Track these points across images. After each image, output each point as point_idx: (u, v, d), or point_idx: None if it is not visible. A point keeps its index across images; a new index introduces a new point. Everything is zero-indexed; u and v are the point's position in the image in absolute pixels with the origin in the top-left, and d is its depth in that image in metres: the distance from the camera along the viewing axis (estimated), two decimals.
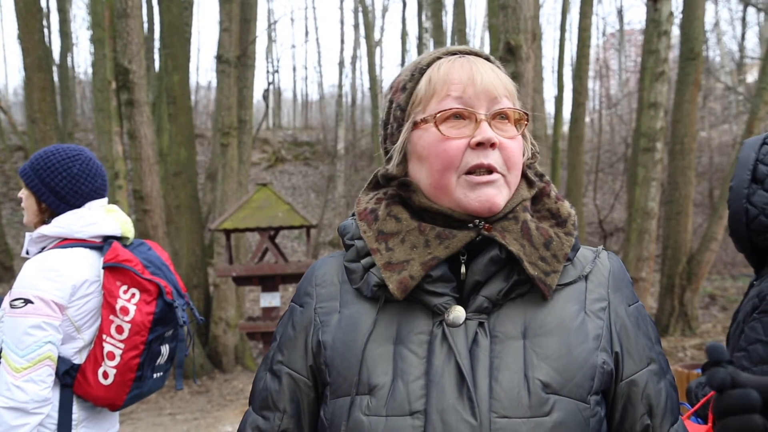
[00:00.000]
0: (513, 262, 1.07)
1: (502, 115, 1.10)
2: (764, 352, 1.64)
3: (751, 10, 21.52)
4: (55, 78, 16.19)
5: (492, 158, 1.07)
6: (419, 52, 17.66)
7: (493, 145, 1.07)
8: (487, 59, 1.15)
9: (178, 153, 10.31)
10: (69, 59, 21.08)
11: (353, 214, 1.20)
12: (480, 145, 1.06)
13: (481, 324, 1.05)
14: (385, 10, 30.13)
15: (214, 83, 24.10)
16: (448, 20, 19.47)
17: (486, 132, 1.06)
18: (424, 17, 16.83)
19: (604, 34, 28.62)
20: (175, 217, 10.16)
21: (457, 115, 1.08)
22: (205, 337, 10.27)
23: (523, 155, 1.14)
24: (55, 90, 13.29)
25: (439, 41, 16.36)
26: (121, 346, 2.18)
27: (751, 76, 23.76)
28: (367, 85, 24.02)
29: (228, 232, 6.74)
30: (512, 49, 5.81)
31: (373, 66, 19.81)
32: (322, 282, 1.19)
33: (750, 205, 1.82)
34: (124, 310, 2.18)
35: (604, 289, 1.12)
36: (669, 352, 9.18)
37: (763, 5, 18.07)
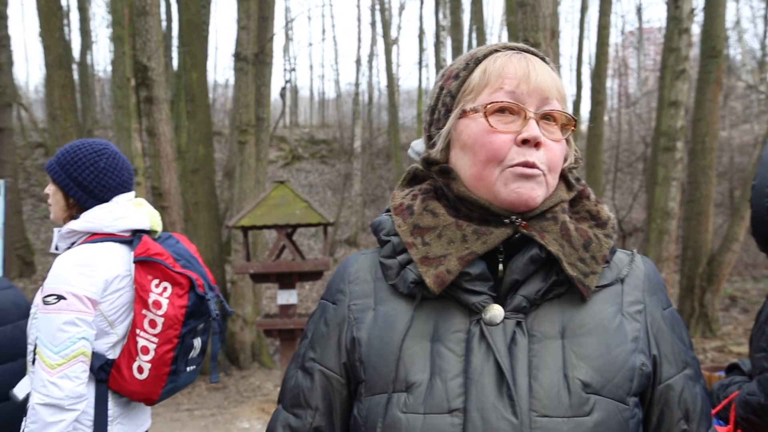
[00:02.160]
0: (552, 262, 1.07)
1: (550, 117, 1.09)
2: None
3: None
4: (75, 76, 16.35)
5: (535, 157, 1.06)
6: (436, 51, 17.60)
7: (537, 144, 1.06)
8: (543, 59, 1.14)
9: (196, 150, 10.35)
10: (89, 57, 21.25)
11: (388, 210, 1.20)
12: (525, 142, 1.06)
13: (519, 323, 1.05)
14: (402, 7, 30.16)
15: (231, 81, 24.25)
16: (465, 18, 19.41)
17: (533, 130, 1.06)
18: (441, 15, 16.77)
19: (623, 32, 28.39)
20: (193, 214, 10.21)
21: (507, 110, 1.08)
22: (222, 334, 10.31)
23: (566, 160, 1.14)
24: (75, 87, 13.41)
25: (456, 39, 16.31)
26: (155, 340, 2.18)
27: None
28: (383, 83, 24.06)
29: (245, 230, 6.76)
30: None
31: (390, 64, 19.80)
32: (355, 279, 1.18)
33: None
34: (157, 304, 2.17)
35: (640, 293, 1.12)
36: None
37: None
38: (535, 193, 1.06)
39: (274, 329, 6.63)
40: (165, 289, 2.19)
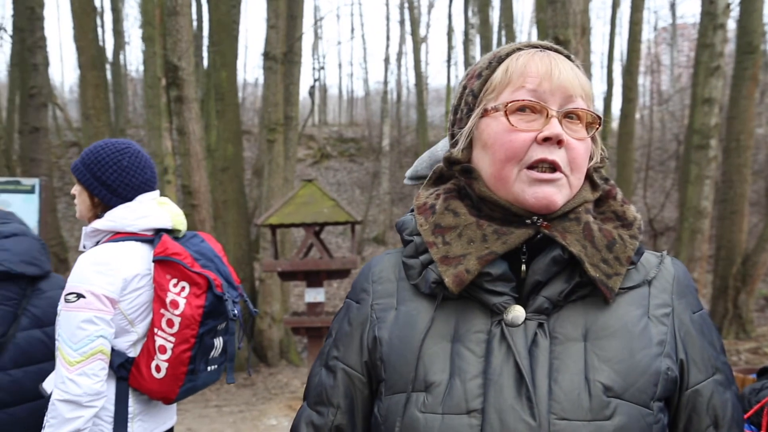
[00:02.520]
0: (575, 263, 1.05)
1: (573, 115, 1.08)
2: None
3: None
4: (108, 76, 16.60)
5: (557, 155, 1.05)
6: (465, 49, 17.53)
7: (560, 143, 1.05)
8: (568, 57, 1.13)
9: (226, 149, 10.45)
10: (122, 57, 21.59)
11: (412, 210, 1.20)
12: (547, 140, 1.04)
13: (540, 324, 1.03)
14: (431, 6, 30.03)
15: (261, 80, 24.40)
16: (494, 15, 19.29)
17: (555, 128, 1.04)
18: (470, 13, 16.69)
19: (655, 28, 27.94)
20: (222, 212, 10.30)
21: (529, 108, 1.07)
22: (251, 332, 10.38)
23: (591, 159, 1.12)
24: (108, 87, 13.62)
25: (485, 37, 16.21)
26: (172, 339, 2.19)
27: None
28: (412, 81, 24.01)
29: (273, 228, 6.80)
30: (560, 44, 5.71)
31: (418, 62, 19.77)
32: (379, 279, 1.19)
33: None
34: (174, 304, 2.18)
35: (668, 295, 1.09)
36: None
37: None
38: (556, 197, 1.05)
39: (302, 327, 6.66)
40: (183, 288, 2.20)
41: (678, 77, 26.44)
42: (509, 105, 1.07)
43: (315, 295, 6.76)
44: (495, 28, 18.92)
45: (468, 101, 1.15)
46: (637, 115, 19.19)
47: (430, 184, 1.22)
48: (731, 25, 11.45)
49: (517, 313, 1.03)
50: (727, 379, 1.11)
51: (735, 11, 10.80)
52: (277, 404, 7.97)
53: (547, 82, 1.06)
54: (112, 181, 2.30)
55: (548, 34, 5.88)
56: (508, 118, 1.07)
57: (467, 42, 16.98)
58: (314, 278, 6.70)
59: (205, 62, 12.92)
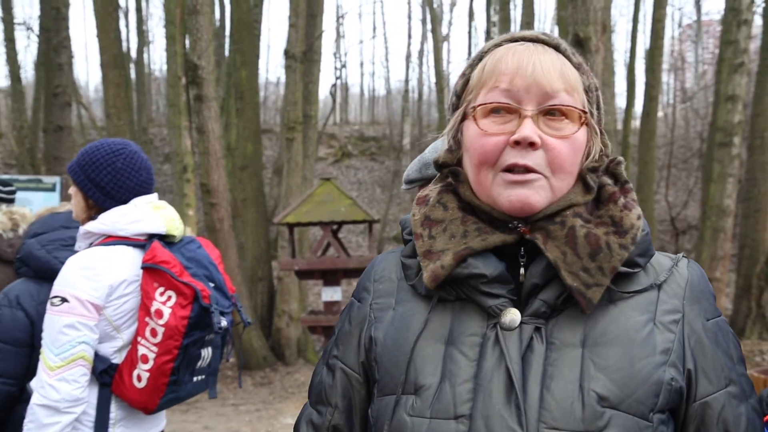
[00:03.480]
0: None
1: (556, 111, 1.01)
2: None
3: None
4: (132, 74, 16.79)
5: (530, 159, 0.99)
6: None
7: (533, 145, 0.98)
8: (556, 47, 1.06)
9: (245, 147, 10.50)
10: (145, 56, 21.81)
11: None
12: (518, 143, 0.99)
13: (537, 329, 0.99)
14: (453, 4, 29.89)
15: (282, 79, 24.50)
16: (516, 14, 19.17)
17: (524, 130, 0.98)
18: (492, 11, 16.60)
19: (680, 25, 27.56)
20: (241, 211, 10.36)
21: (503, 109, 1.01)
22: (269, 330, 10.45)
23: (588, 156, 1.05)
24: (132, 86, 13.77)
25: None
26: (155, 349, 2.12)
27: None
28: (433, 80, 23.89)
29: (291, 226, 6.82)
30: (581, 42, 5.66)
31: (439, 61, 19.70)
32: (380, 278, 1.16)
33: None
34: (159, 313, 2.11)
35: (678, 301, 1.03)
36: (745, 356, 8.76)
37: None
38: (532, 198, 0.99)
39: (318, 326, 6.67)
40: (169, 297, 2.13)
41: (703, 74, 26.06)
42: (478, 108, 1.03)
43: (332, 293, 6.77)
44: (516, 27, 18.80)
45: (452, 102, 1.12)
46: (660, 113, 18.95)
47: (440, 179, 1.18)
48: (757, 21, 11.26)
49: (513, 316, 0.99)
50: (743, 392, 1.03)
51: (761, 7, 10.62)
52: (294, 403, 8.00)
53: (519, 78, 1.00)
54: (106, 183, 2.25)
55: (569, 31, 5.82)
56: (476, 123, 1.03)
57: (488, 40, 16.89)
58: (331, 277, 6.70)
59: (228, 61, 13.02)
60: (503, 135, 1.00)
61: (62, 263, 2.20)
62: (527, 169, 0.99)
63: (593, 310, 1.00)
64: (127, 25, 21.60)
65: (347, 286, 14.61)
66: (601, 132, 1.08)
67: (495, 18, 16.49)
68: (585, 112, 1.03)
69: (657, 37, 12.89)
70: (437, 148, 1.68)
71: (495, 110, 1.02)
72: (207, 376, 2.35)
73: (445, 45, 24.26)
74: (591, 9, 5.65)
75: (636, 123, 16.46)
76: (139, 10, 19.12)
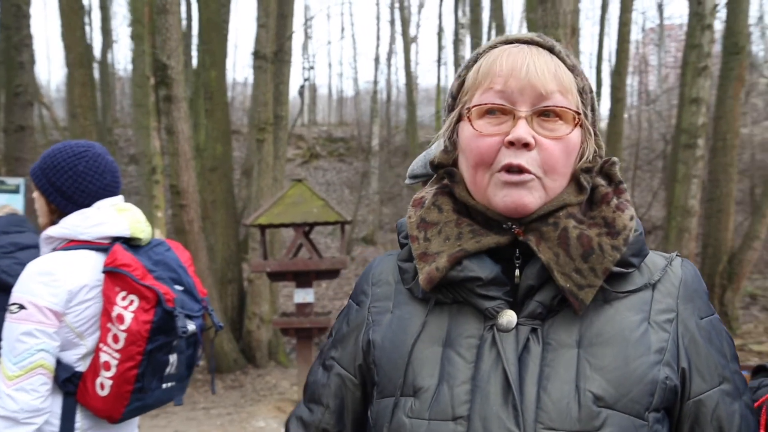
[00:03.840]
0: None
1: (550, 112, 1.02)
2: None
3: None
4: (96, 74, 16.48)
5: (524, 159, 1.00)
6: (455, 48, 17.55)
7: (527, 145, 1.00)
8: (551, 49, 1.07)
9: (215, 148, 10.40)
10: (109, 56, 21.45)
11: None
12: (512, 144, 1.00)
13: (534, 330, 1.00)
14: (421, 5, 30.05)
15: (250, 80, 24.30)
16: (485, 15, 19.32)
17: (518, 131, 1.00)
18: (461, 13, 16.72)
19: (643, 29, 28.07)
20: (211, 213, 10.26)
21: (498, 110, 1.03)
22: (239, 333, 10.36)
23: (582, 157, 1.06)
24: (96, 86, 13.51)
25: (476, 36, 16.22)
26: (117, 356, 2.04)
27: None
28: (402, 81, 23.98)
29: (263, 228, 6.77)
30: None
31: (408, 62, 19.78)
32: (378, 281, 1.17)
33: None
34: (120, 318, 2.04)
35: (672, 300, 1.04)
36: None
37: None
38: (526, 199, 1.01)
39: (291, 328, 6.64)
40: (131, 302, 2.06)
41: (665, 77, 26.59)
42: (473, 110, 1.04)
43: (304, 295, 6.74)
44: (485, 29, 18.96)
45: (449, 103, 1.13)
46: (626, 115, 19.29)
47: (435, 181, 1.19)
48: (718, 26, 11.53)
49: (510, 317, 1.00)
50: (737, 390, 1.05)
51: (722, 12, 10.88)
52: (265, 406, 7.94)
53: (513, 80, 1.02)
54: (67, 188, 2.17)
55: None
56: (471, 124, 1.04)
57: (457, 42, 16.98)
58: (303, 279, 6.68)
59: (194, 61, 12.87)
60: (498, 136, 1.02)
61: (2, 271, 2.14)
62: (521, 170, 1.00)
63: (588, 310, 1.01)
64: (90, 24, 21.21)
65: (318, 288, 14.57)
66: (595, 133, 1.10)
67: (463, 20, 16.61)
68: (579, 114, 1.04)
69: (623, 40, 13.13)
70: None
71: (490, 111, 1.03)
72: (182, 382, 2.28)
73: (413, 46, 24.34)
74: (560, 12, 5.72)
75: (602, 125, 16.72)
76: (103, 8, 18.77)
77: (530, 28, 12.33)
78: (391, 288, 1.14)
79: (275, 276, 6.83)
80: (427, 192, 1.15)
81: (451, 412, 0.97)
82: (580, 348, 0.99)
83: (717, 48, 13.15)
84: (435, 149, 1.78)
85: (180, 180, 8.50)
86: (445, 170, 1.12)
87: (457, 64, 17.23)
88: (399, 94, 28.22)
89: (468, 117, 1.05)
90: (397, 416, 1.01)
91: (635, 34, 28.10)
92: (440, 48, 21.00)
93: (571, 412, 0.94)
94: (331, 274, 6.96)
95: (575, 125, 1.04)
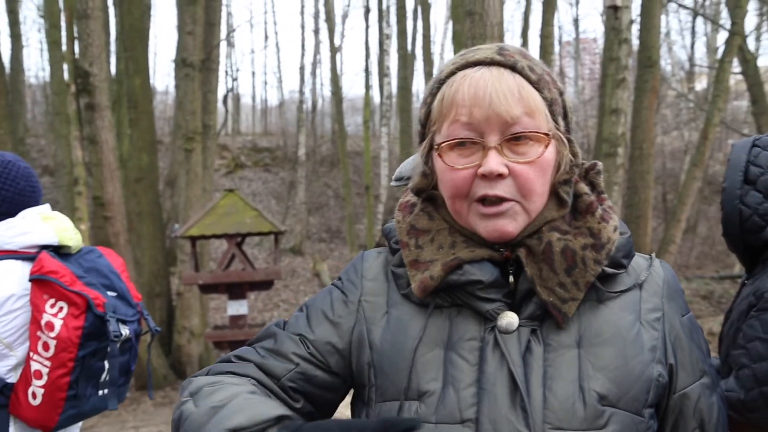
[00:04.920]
0: None
1: (517, 138, 1.01)
2: (763, 349, 1.66)
3: (699, 20, 22.18)
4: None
5: (500, 188, 1.00)
6: (380, 59, 17.71)
7: (501, 176, 1.00)
8: (512, 67, 1.03)
9: (140, 158, 10.09)
10: (20, 62, 20.45)
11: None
12: (485, 176, 1.00)
13: (533, 331, 1.02)
14: (345, 15, 30.13)
15: (171, 88, 23.74)
16: (410, 25, 19.56)
17: (489, 164, 0.99)
18: (385, 24, 16.87)
19: (560, 42, 29.12)
20: (137, 225, 9.94)
21: (463, 143, 1.02)
22: (168, 348, 10.06)
23: (559, 170, 1.06)
24: (8, 94, 12.85)
25: (402, 46, 16.43)
26: (48, 364, 2.03)
27: (700, 84, 24.45)
28: (327, 90, 23.96)
29: (194, 239, 6.62)
30: None
31: (335, 71, 19.77)
32: (369, 275, 1.14)
33: (743, 205, 1.84)
34: (50, 326, 2.02)
35: (659, 299, 1.08)
36: None
37: (711, 16, 18.64)
38: (508, 227, 1.02)
39: (225, 341, 6.52)
40: (61, 309, 2.05)
41: (582, 89, 27.63)
42: (443, 146, 1.04)
43: (238, 307, 6.63)
44: (410, 39, 19.20)
45: (418, 131, 1.13)
46: None
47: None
48: (633, 40, 12.08)
49: (511, 319, 1.01)
50: (713, 383, 1.11)
51: (635, 27, 11.41)
52: None
53: (478, 109, 1.00)
54: None
55: (466, 45, 5.99)
56: (442, 159, 1.04)
57: (382, 53, 17.14)
58: (237, 290, 6.57)
59: (113, 68, 12.46)
60: (470, 168, 1.02)
61: None
62: (499, 198, 1.01)
63: (585, 310, 1.03)
64: None
65: (248, 299, 14.30)
66: (569, 140, 1.08)
67: (388, 31, 16.79)
68: (548, 135, 1.02)
69: (546, 52, 13.57)
70: None
71: (459, 143, 1.03)
72: (120, 388, 2.26)
73: (338, 56, 24.37)
74: (488, 24, 5.84)
75: None
76: (12, 12, 17.89)
77: (456, 40, 12.57)
78: (383, 285, 1.12)
79: (208, 288, 6.69)
80: (413, 197, 1.15)
81: (459, 415, 0.98)
82: (580, 348, 1.01)
83: (631, 62, 13.79)
84: (404, 169, 1.79)
85: (104, 191, 8.19)
86: (426, 195, 1.12)
87: (382, 74, 17.38)
88: (324, 103, 28.19)
89: (438, 153, 1.04)
90: None
91: (553, 47, 29.09)
92: (367, 57, 21.10)
93: (577, 412, 0.96)
94: (265, 285, 6.88)
95: (547, 145, 1.02)
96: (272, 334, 1.13)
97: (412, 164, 1.80)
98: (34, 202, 2.24)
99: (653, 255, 1.15)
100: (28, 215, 2.19)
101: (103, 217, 8.24)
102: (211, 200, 9.58)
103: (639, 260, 1.12)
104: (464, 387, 0.99)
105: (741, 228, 1.86)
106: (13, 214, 2.17)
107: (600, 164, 1.14)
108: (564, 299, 1.01)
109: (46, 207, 2.28)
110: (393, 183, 1.83)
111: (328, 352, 1.10)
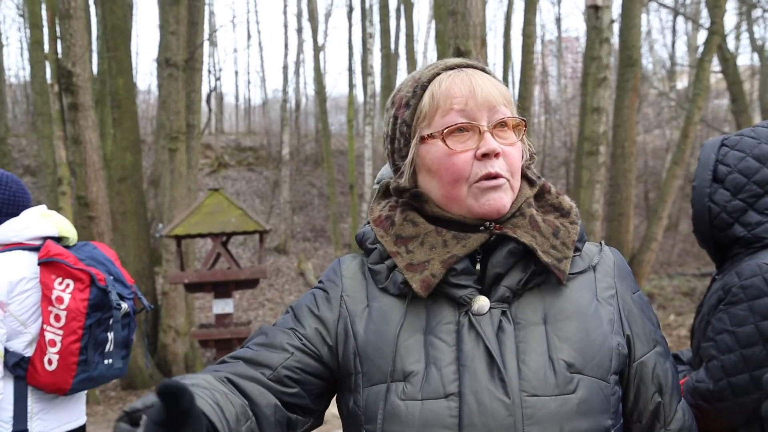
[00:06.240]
0: (528, 254, 1.15)
1: (502, 123, 1.16)
2: (731, 342, 1.72)
3: (680, 19, 22.41)
4: None
5: (497, 166, 1.13)
6: (364, 58, 17.72)
7: (497, 155, 1.13)
8: (483, 70, 1.20)
9: (124, 158, 10.05)
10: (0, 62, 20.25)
11: (368, 222, 1.27)
12: (485, 156, 1.13)
13: (504, 312, 1.12)
14: (328, 14, 30.10)
15: (153, 87, 23.59)
16: (393, 24, 19.57)
17: (490, 143, 1.13)
18: (368, 23, 16.90)
19: (542, 41, 29.28)
20: (121, 225, 9.90)
21: (461, 128, 1.14)
22: (154, 347, 10.04)
23: (523, 158, 1.21)
24: None
25: (386, 46, 16.47)
26: (60, 332, 2.33)
27: (681, 83, 24.73)
28: (311, 89, 23.92)
29: (179, 239, 6.61)
30: (462, 55, 5.89)
31: (318, 70, 19.76)
32: (348, 275, 1.25)
33: (712, 203, 1.91)
34: (59, 299, 2.34)
35: (611, 279, 1.21)
36: None
37: (691, 15, 18.85)
38: (504, 200, 1.14)
39: (210, 339, 6.50)
40: (68, 285, 2.36)
41: (564, 88, 27.81)
42: (445, 131, 1.15)
43: (223, 306, 6.63)
44: (393, 38, 19.22)
45: (403, 131, 1.21)
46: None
47: (379, 197, 1.30)
48: (614, 39, 12.20)
49: (483, 302, 1.12)
50: (666, 351, 1.25)
51: (617, 27, 11.53)
52: None
53: (472, 100, 1.14)
54: None
55: (449, 44, 6.04)
56: (445, 143, 1.15)
57: (366, 52, 17.16)
58: (222, 289, 6.57)
59: (94, 68, 12.38)
60: (469, 150, 1.14)
61: None
62: (497, 176, 1.13)
63: (548, 291, 1.15)
64: None
65: (233, 298, 14.28)
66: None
67: (371, 30, 16.81)
68: (524, 120, 1.19)
69: (527, 51, 13.65)
70: None
71: (458, 129, 1.14)
72: (122, 359, 2.57)
73: (321, 55, 24.34)
74: (471, 24, 5.89)
75: None
76: None
77: (439, 39, 12.64)
78: (362, 283, 1.23)
79: (193, 287, 6.68)
80: (382, 210, 1.25)
81: (443, 390, 1.08)
82: (546, 324, 1.13)
83: (613, 61, 13.92)
84: (386, 173, 1.84)
85: (89, 191, 8.15)
86: (410, 193, 1.21)
87: (365, 73, 17.41)
88: (308, 102, 28.16)
89: (442, 138, 1.15)
90: (390, 400, 1.09)
91: (536, 46, 29.25)
92: (350, 56, 21.10)
93: (548, 380, 1.07)
94: (251, 283, 6.88)
95: (522, 131, 1.19)
96: (263, 332, 1.22)
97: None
98: (29, 203, 2.56)
99: (603, 242, 1.29)
100: (28, 214, 2.51)
101: (88, 217, 8.20)
102: (195, 200, 9.58)
103: (590, 246, 1.27)
104: (445, 365, 1.09)
105: (710, 225, 1.92)
106: (15, 215, 2.50)
107: (534, 156, 1.28)
108: (559, 258, 1.15)
109: (43, 207, 2.58)
110: (375, 186, 1.88)
111: (319, 342, 1.19)
